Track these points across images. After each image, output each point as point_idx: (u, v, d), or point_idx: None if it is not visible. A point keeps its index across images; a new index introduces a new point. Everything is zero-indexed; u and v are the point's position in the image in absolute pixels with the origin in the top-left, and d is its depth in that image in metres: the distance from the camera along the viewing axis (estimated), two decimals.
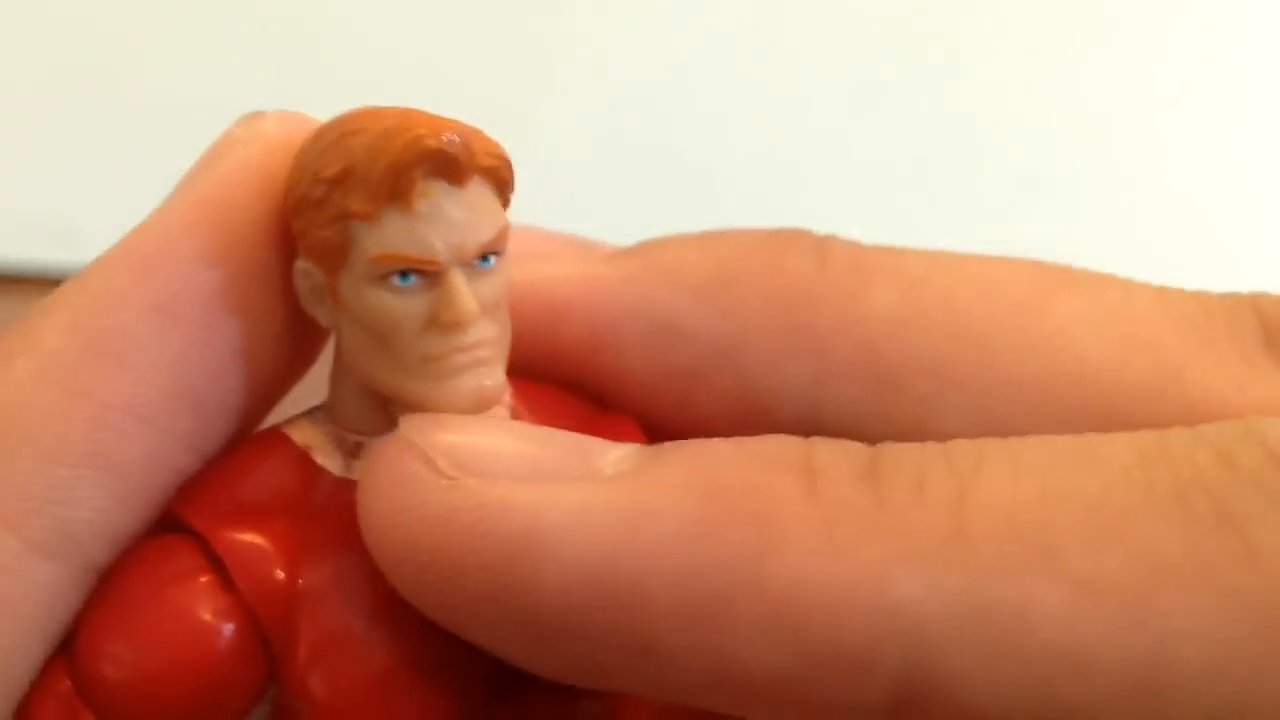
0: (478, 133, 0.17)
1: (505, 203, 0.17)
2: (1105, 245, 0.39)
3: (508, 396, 0.18)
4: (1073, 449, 0.16)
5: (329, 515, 0.17)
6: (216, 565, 0.17)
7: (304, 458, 0.18)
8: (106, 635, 0.17)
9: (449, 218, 0.16)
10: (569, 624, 0.16)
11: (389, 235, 0.16)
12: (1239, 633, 0.15)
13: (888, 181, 0.44)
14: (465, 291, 0.17)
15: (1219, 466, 0.15)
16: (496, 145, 0.17)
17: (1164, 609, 0.15)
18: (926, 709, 0.15)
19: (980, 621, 0.15)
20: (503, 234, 0.17)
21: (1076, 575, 0.15)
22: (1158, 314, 0.20)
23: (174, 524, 0.18)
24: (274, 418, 0.19)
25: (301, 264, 0.17)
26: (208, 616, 0.17)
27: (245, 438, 0.19)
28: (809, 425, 0.20)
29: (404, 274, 0.16)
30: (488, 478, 0.16)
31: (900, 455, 0.16)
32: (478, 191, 0.17)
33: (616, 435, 0.18)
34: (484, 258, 0.17)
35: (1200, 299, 0.20)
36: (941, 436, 0.17)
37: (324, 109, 0.18)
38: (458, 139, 0.16)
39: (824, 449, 0.16)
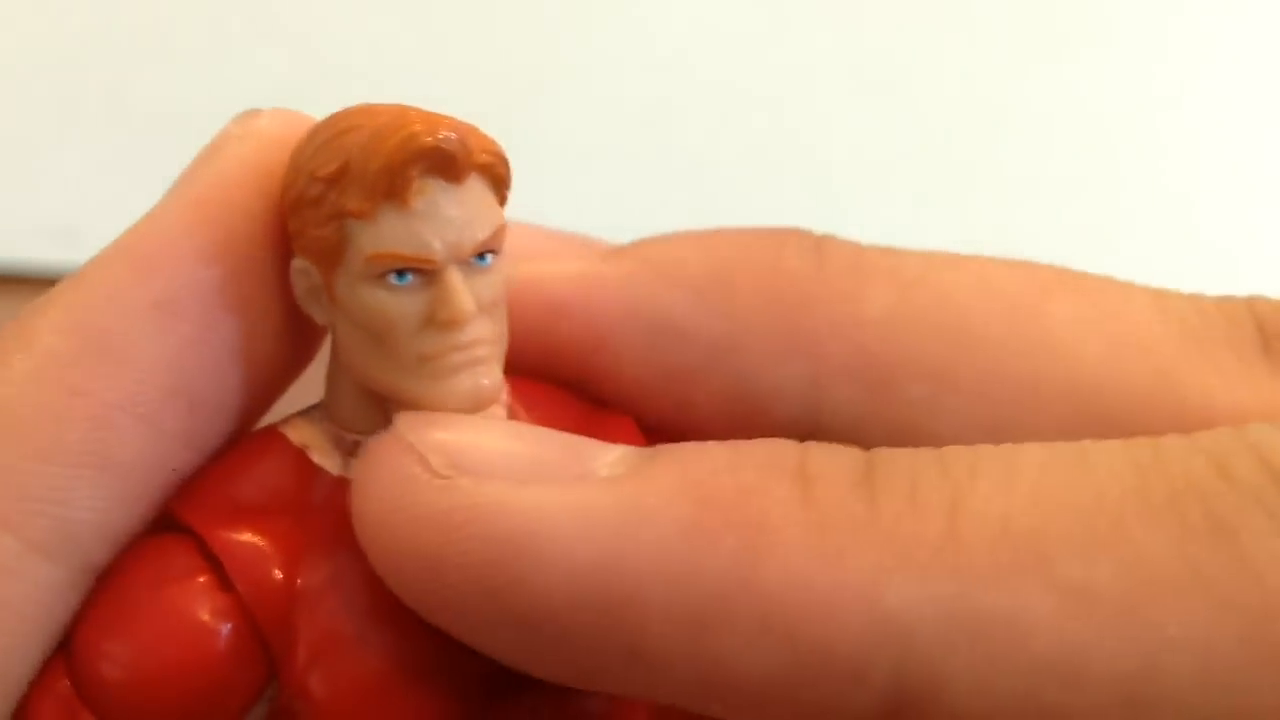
0: (474, 130, 0.17)
1: (502, 200, 0.17)
2: (1102, 247, 0.39)
3: (505, 395, 0.18)
4: (1067, 456, 0.16)
5: (327, 514, 0.17)
6: (214, 565, 0.17)
7: (301, 457, 0.18)
8: (105, 635, 0.17)
9: (445, 216, 0.16)
10: (561, 626, 0.15)
11: (385, 234, 0.16)
12: (1232, 644, 0.14)
13: (886, 181, 0.44)
14: (462, 290, 0.16)
15: (1214, 476, 0.15)
16: (493, 142, 0.17)
17: (1157, 619, 0.15)
18: (919, 716, 0.15)
19: (972, 630, 0.15)
20: (500, 232, 0.17)
21: (1068, 584, 0.15)
22: (1154, 317, 0.20)
23: (172, 523, 0.18)
24: (270, 417, 0.19)
25: (298, 262, 0.17)
26: (206, 616, 0.17)
27: (242, 437, 0.18)
28: (806, 426, 0.20)
29: (400, 273, 0.16)
30: (482, 478, 0.16)
31: (894, 461, 0.16)
32: (474, 189, 0.17)
33: (614, 435, 0.18)
34: (481, 256, 0.17)
35: (1197, 302, 0.20)
36: (937, 437, 0.17)
37: (323, 109, 0.18)
38: (454, 136, 0.16)
39: (818, 454, 0.16)
